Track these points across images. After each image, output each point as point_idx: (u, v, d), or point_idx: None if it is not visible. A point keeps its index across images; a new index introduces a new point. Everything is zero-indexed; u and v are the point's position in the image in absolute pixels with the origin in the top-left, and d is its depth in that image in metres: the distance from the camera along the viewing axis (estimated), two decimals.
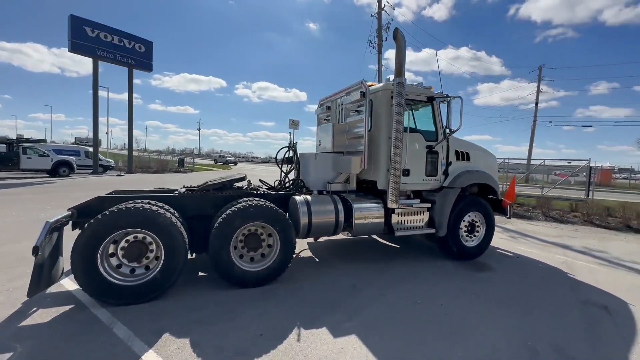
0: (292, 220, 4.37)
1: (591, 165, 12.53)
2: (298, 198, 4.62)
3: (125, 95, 24.65)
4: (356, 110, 5.32)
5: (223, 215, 3.87)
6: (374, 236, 6.76)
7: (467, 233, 5.45)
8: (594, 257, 6.09)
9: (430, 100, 5.21)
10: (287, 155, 5.72)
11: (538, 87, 35.61)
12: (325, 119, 6.54)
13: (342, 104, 5.76)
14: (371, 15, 19.15)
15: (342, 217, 4.67)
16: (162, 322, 3.11)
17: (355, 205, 4.75)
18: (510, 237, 7.49)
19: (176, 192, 4.73)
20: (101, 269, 3.33)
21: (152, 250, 3.62)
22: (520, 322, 3.42)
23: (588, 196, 11.82)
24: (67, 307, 3.32)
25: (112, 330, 2.93)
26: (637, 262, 5.83)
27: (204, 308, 3.42)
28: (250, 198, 4.29)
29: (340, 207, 4.70)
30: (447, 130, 5.08)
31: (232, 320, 3.20)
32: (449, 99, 4.96)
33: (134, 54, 24.00)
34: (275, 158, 5.75)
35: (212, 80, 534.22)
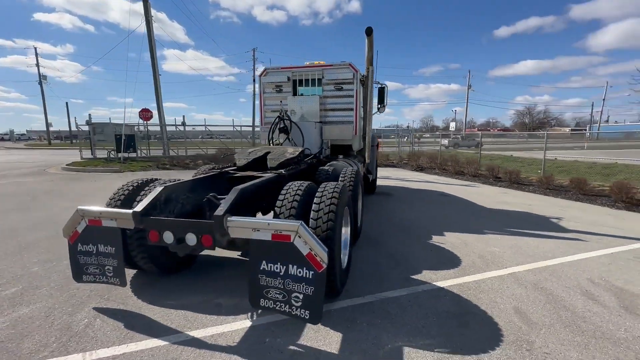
0: None
1: None
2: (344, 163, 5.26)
3: None
4: (338, 87, 6.18)
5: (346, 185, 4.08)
6: None
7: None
8: (412, 180, 11.15)
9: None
10: (280, 126, 5.53)
11: (254, 66, 43.35)
12: (275, 89, 6.51)
13: (316, 78, 6.29)
14: None
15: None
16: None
17: (358, 163, 6.08)
18: None
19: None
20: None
21: None
22: (434, 208, 6.87)
23: None
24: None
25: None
26: (428, 180, 11.52)
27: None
28: (326, 167, 4.53)
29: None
30: (380, 106, 7.39)
31: (407, 262, 4.09)
32: (383, 85, 7.24)
33: None
34: (271, 129, 5.40)
35: None
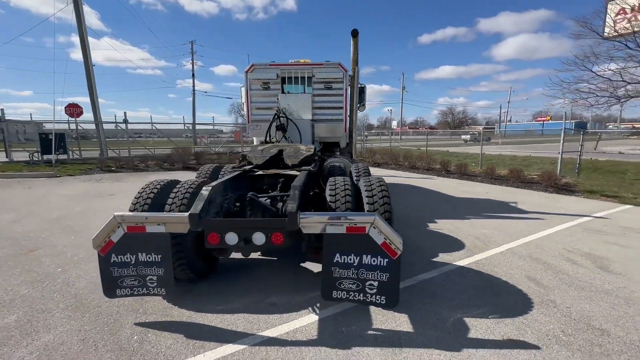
0: None
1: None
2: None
3: None
4: (328, 85, 6.28)
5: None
6: None
7: None
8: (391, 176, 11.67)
9: None
10: (277, 123, 5.46)
11: (192, 60, 40.58)
12: (263, 85, 6.35)
13: (305, 76, 6.29)
14: None
15: None
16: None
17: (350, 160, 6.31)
18: None
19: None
20: None
21: None
22: (413, 199, 7.53)
23: None
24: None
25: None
26: (391, 175, 12.10)
27: None
28: (336, 163, 4.68)
29: None
30: (359, 106, 7.69)
31: (420, 247, 4.47)
32: (362, 86, 7.54)
33: None
34: (269, 126, 5.30)
35: None
